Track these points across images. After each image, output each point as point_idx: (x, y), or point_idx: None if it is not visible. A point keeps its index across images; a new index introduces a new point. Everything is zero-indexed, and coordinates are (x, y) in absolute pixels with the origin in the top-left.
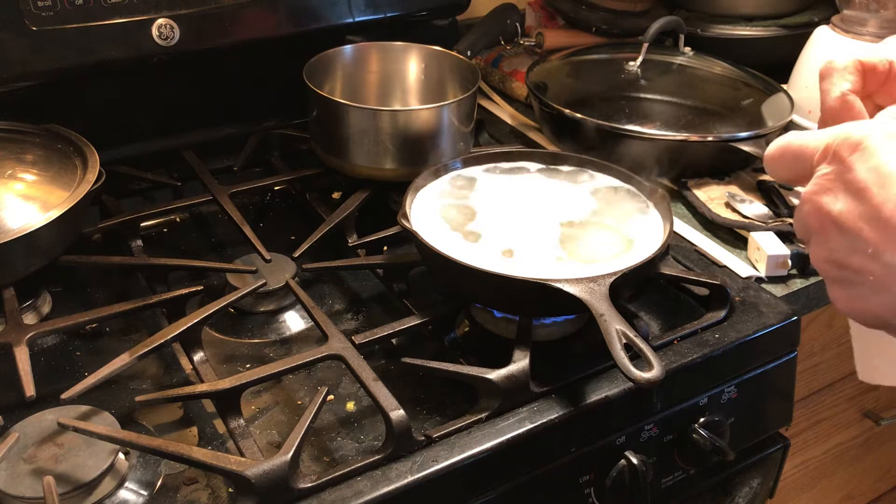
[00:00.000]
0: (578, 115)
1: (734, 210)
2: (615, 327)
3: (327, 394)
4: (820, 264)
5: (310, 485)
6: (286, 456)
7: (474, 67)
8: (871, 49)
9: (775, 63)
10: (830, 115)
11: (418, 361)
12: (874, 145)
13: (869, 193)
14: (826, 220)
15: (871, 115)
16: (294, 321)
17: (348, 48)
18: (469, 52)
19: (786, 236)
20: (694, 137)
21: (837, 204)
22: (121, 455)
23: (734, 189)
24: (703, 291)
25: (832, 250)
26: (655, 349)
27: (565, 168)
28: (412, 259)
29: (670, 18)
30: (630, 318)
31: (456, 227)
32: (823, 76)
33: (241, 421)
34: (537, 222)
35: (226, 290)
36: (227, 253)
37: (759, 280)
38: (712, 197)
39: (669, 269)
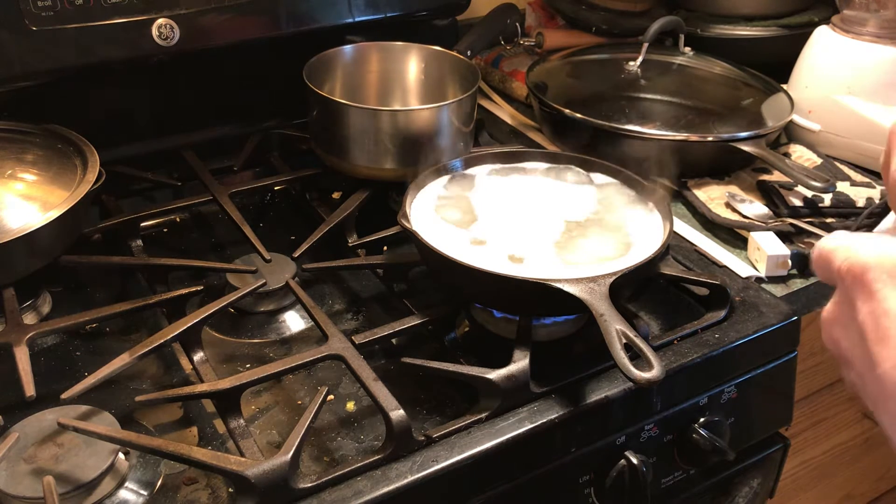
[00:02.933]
0: (578, 115)
1: (734, 210)
2: (615, 327)
3: (327, 394)
4: (851, 390)
5: (310, 485)
6: (286, 456)
7: (474, 67)
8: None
9: (775, 63)
10: (893, 192)
11: (418, 361)
12: (874, 283)
13: (867, 343)
14: (839, 353)
15: None
16: (294, 321)
17: (348, 48)
18: (469, 52)
19: (786, 236)
20: (694, 137)
21: (845, 340)
22: (121, 455)
23: (734, 189)
24: (703, 291)
25: (852, 382)
26: (655, 349)
27: (565, 168)
28: (412, 259)
29: (670, 18)
30: (630, 318)
31: (456, 227)
32: (891, 142)
33: (241, 421)
34: (537, 222)
35: (226, 290)
36: (227, 253)
37: (759, 280)
38: (712, 197)
39: (669, 269)
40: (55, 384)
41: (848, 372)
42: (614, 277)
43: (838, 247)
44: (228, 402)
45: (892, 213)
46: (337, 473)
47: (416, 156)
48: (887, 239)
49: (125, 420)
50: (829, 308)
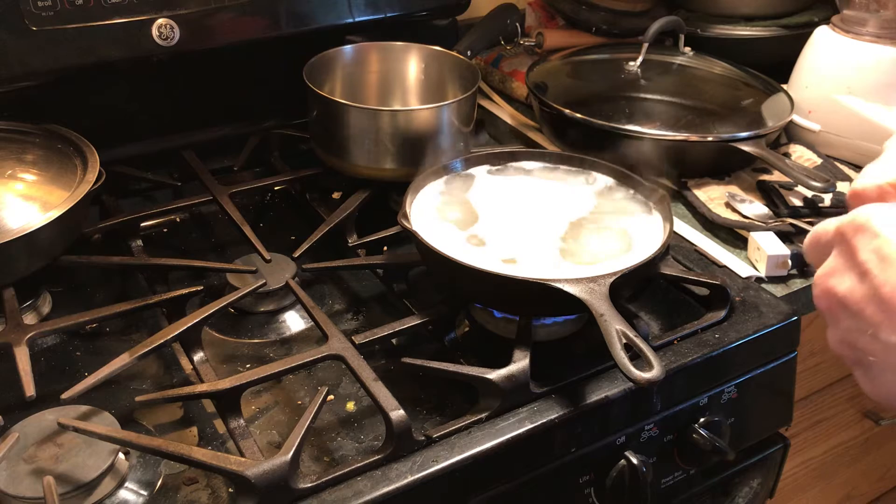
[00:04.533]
0: (578, 115)
1: (734, 210)
2: (615, 327)
3: (327, 394)
4: (836, 346)
5: (310, 485)
6: (286, 456)
7: (474, 67)
8: (885, 162)
9: (775, 63)
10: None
11: (418, 361)
12: (876, 226)
13: (870, 274)
14: (833, 302)
15: None
16: (294, 321)
17: (348, 48)
18: (469, 52)
19: (786, 236)
20: (694, 137)
21: (843, 284)
22: (121, 455)
23: (734, 189)
24: (703, 291)
25: (844, 331)
26: (655, 349)
27: (565, 168)
28: (412, 259)
29: (670, 18)
30: (630, 318)
31: (456, 227)
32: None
33: (241, 421)
34: (537, 222)
35: (226, 290)
36: (227, 253)
37: (759, 280)
38: (712, 197)
39: (669, 269)
40: (55, 384)
41: (839, 322)
42: (614, 277)
43: (834, 219)
44: (228, 402)
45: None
46: (337, 473)
47: (416, 156)
48: (882, 204)
49: (125, 420)
50: (822, 269)
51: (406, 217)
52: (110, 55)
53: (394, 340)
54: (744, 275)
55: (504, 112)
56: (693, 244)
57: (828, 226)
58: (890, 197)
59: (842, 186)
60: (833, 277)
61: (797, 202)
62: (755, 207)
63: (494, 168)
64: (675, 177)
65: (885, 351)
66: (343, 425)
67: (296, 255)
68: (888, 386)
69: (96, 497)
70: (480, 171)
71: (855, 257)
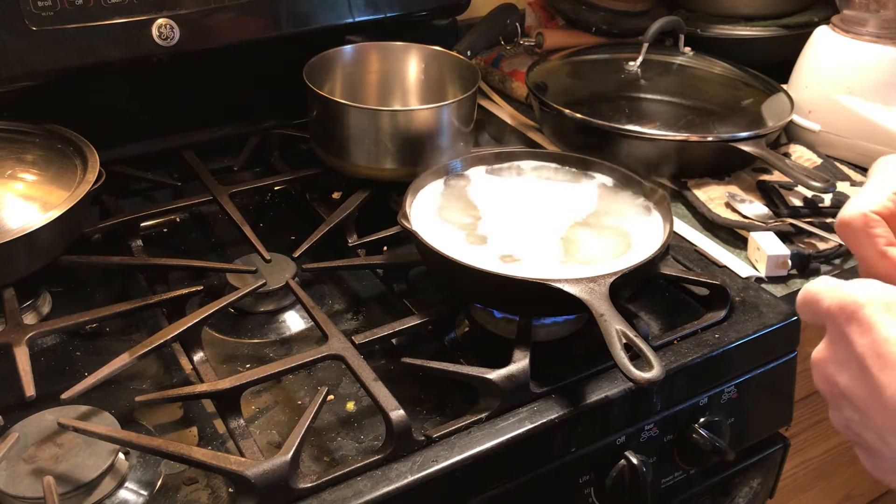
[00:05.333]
0: (578, 115)
1: (734, 210)
2: (615, 327)
3: (327, 394)
4: (839, 426)
5: (310, 485)
6: (286, 456)
7: (474, 67)
8: (872, 190)
9: (775, 63)
10: (873, 273)
11: (418, 361)
12: (868, 318)
13: (869, 373)
14: (835, 392)
15: None
16: (294, 321)
17: (348, 48)
18: (469, 52)
19: (786, 236)
20: (694, 137)
21: (842, 376)
22: (121, 455)
23: (734, 189)
24: (703, 291)
25: (848, 420)
26: (655, 349)
27: (565, 168)
28: (412, 259)
29: (670, 18)
30: (630, 318)
31: (456, 228)
32: (847, 236)
33: (241, 421)
34: (537, 222)
35: (226, 290)
36: (227, 253)
37: (759, 280)
38: (712, 197)
39: (669, 269)
40: (55, 384)
41: (842, 410)
42: (614, 277)
43: (826, 288)
44: (228, 402)
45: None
46: (337, 473)
47: (416, 156)
48: (874, 282)
49: (125, 420)
50: (820, 349)
51: (406, 217)
52: (110, 55)
53: (394, 340)
54: (744, 275)
55: (504, 112)
56: (693, 244)
57: (823, 295)
58: (875, 224)
59: (842, 186)
60: (832, 365)
61: (797, 202)
62: (755, 207)
63: (494, 168)
64: (675, 177)
65: (892, 454)
66: (343, 425)
67: (296, 255)
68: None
69: (96, 497)
70: (480, 171)
71: (851, 348)
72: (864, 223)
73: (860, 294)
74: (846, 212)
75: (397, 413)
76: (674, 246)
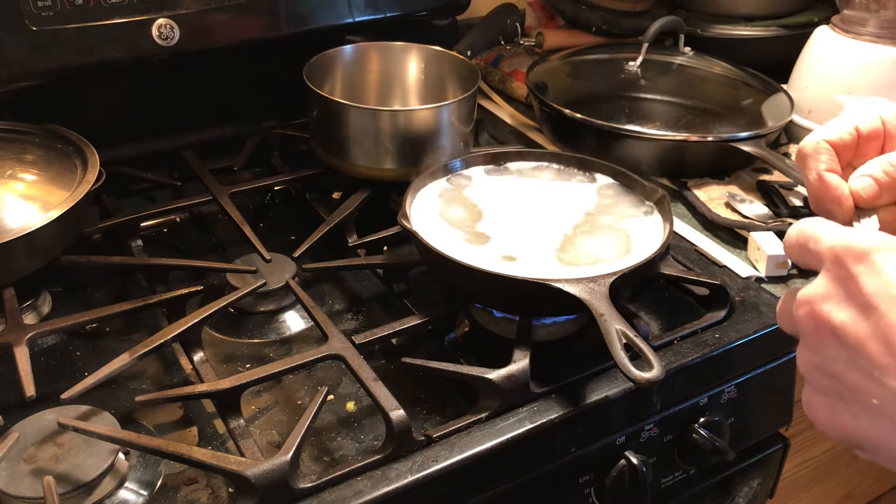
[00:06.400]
0: (578, 115)
1: (734, 210)
2: (615, 327)
3: (327, 394)
4: (807, 369)
5: (310, 485)
6: (286, 456)
7: (474, 67)
8: (836, 121)
9: (775, 63)
10: (814, 196)
11: (418, 361)
12: (881, 260)
13: (878, 311)
14: (824, 328)
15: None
16: (294, 321)
17: (348, 48)
18: (469, 52)
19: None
20: (694, 137)
21: (840, 314)
22: (121, 455)
23: (734, 189)
24: (703, 291)
25: (827, 359)
26: (655, 349)
27: (565, 168)
28: (412, 259)
29: (670, 18)
30: (630, 318)
31: (456, 228)
32: (798, 163)
33: (241, 421)
34: (537, 222)
35: (226, 290)
36: (227, 253)
37: (759, 280)
38: (712, 197)
39: (669, 269)
40: (55, 384)
41: (822, 349)
42: (614, 277)
43: (825, 230)
44: (228, 402)
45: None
46: (337, 473)
47: (416, 156)
48: (875, 230)
49: (125, 420)
50: (812, 288)
51: (406, 217)
52: (110, 55)
53: (394, 340)
54: (744, 275)
55: (504, 112)
56: (693, 244)
57: (820, 237)
58: (823, 150)
59: None
60: (826, 303)
61: (797, 202)
62: (755, 207)
63: (494, 168)
64: (675, 177)
65: (890, 396)
66: (343, 425)
67: (296, 255)
68: (868, 429)
69: (96, 497)
70: (480, 171)
71: (856, 288)
72: (814, 149)
73: (867, 240)
74: (804, 140)
75: (397, 413)
76: (674, 246)
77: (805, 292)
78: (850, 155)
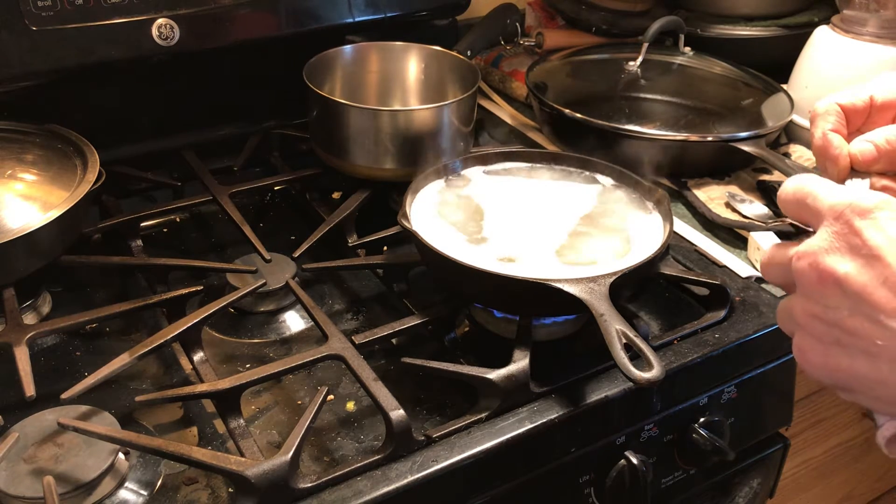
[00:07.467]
0: (578, 115)
1: (734, 210)
2: (615, 327)
3: (327, 394)
4: (803, 316)
5: (310, 485)
6: (286, 456)
7: (474, 67)
8: (854, 89)
9: (775, 63)
10: (817, 154)
11: (418, 361)
12: (884, 216)
13: (883, 261)
14: (828, 279)
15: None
16: (294, 321)
17: (348, 48)
18: (469, 52)
19: (786, 236)
20: (694, 137)
21: (843, 265)
22: (121, 455)
23: (734, 189)
24: (703, 291)
25: (827, 307)
26: (655, 349)
27: (565, 168)
28: (412, 259)
29: (670, 18)
30: (630, 318)
31: (456, 228)
32: (811, 123)
33: (241, 421)
34: (537, 222)
35: (226, 290)
36: (227, 253)
37: (759, 280)
38: (712, 197)
39: (669, 269)
40: (55, 384)
41: (824, 299)
42: (614, 277)
43: (822, 187)
44: (228, 402)
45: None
46: (337, 473)
47: (416, 156)
48: (869, 190)
49: (125, 420)
50: (813, 241)
51: (406, 217)
52: (110, 55)
53: (394, 340)
54: (744, 275)
55: (504, 112)
56: (693, 244)
57: (820, 194)
58: (833, 112)
59: None
60: (830, 255)
61: None
62: (755, 207)
63: (494, 168)
64: (675, 177)
65: (892, 338)
66: (343, 425)
67: (296, 255)
68: (865, 370)
69: (96, 497)
70: (480, 171)
71: (861, 241)
72: (825, 110)
73: (869, 198)
74: (819, 102)
75: (397, 413)
76: (674, 246)
77: (807, 245)
78: (860, 121)
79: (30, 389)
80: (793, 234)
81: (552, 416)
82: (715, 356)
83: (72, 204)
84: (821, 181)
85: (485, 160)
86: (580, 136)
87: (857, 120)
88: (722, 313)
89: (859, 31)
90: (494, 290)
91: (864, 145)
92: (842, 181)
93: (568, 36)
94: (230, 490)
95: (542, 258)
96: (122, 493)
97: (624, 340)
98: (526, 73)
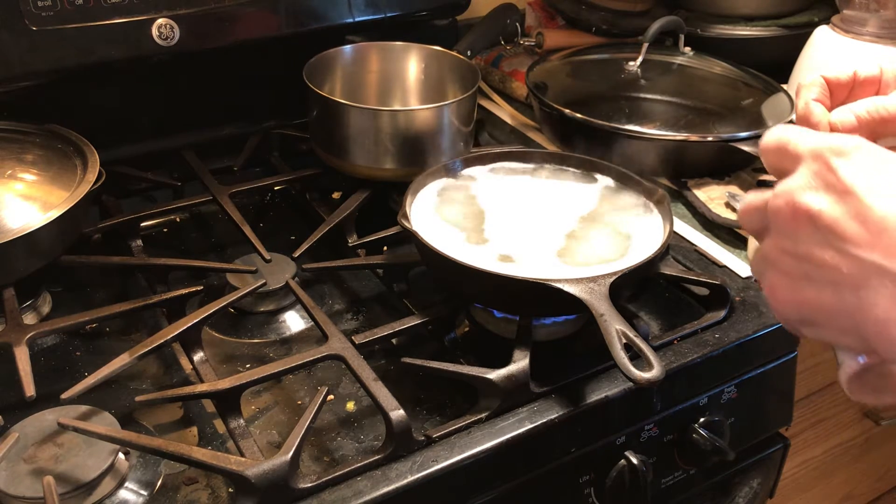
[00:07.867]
0: (578, 115)
1: (734, 210)
2: (615, 327)
3: (327, 394)
4: (774, 252)
5: (310, 485)
6: (286, 456)
7: (474, 67)
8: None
9: (775, 63)
10: (799, 122)
11: (418, 361)
12: (859, 155)
13: (855, 196)
14: (801, 215)
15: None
16: (294, 321)
17: (348, 48)
18: (469, 52)
19: None
20: (694, 137)
21: (818, 201)
22: (121, 455)
23: (734, 189)
24: (703, 291)
25: (798, 242)
26: (655, 349)
27: (565, 168)
28: (412, 259)
29: (670, 18)
30: (630, 318)
31: (456, 228)
32: (796, 94)
33: (241, 421)
34: (537, 222)
35: (226, 290)
36: (227, 253)
37: (758, 281)
38: (712, 197)
39: (669, 269)
40: (55, 384)
41: (796, 234)
42: (614, 277)
43: (800, 134)
44: (228, 402)
45: None
46: (337, 473)
47: (416, 156)
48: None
49: (125, 420)
50: (792, 180)
51: (406, 217)
52: (110, 55)
53: (394, 340)
54: (744, 275)
55: (504, 112)
56: (693, 244)
57: (800, 141)
58: (819, 84)
59: None
60: (806, 193)
61: None
62: None
63: (494, 168)
64: (675, 177)
65: (859, 269)
66: (343, 425)
67: (296, 255)
68: (830, 301)
69: (96, 497)
70: (480, 171)
71: (835, 177)
72: (810, 82)
73: (846, 140)
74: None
75: (397, 413)
76: (674, 246)
77: (785, 184)
78: (844, 95)
79: (30, 389)
80: None
81: (552, 416)
82: (715, 356)
83: (72, 204)
84: (803, 130)
85: (485, 160)
86: (580, 136)
87: (840, 93)
88: (722, 313)
89: (859, 31)
90: (494, 290)
91: (844, 115)
92: None
93: (568, 36)
94: (230, 490)
95: (542, 258)
96: (122, 493)
97: (624, 340)
98: (526, 73)
